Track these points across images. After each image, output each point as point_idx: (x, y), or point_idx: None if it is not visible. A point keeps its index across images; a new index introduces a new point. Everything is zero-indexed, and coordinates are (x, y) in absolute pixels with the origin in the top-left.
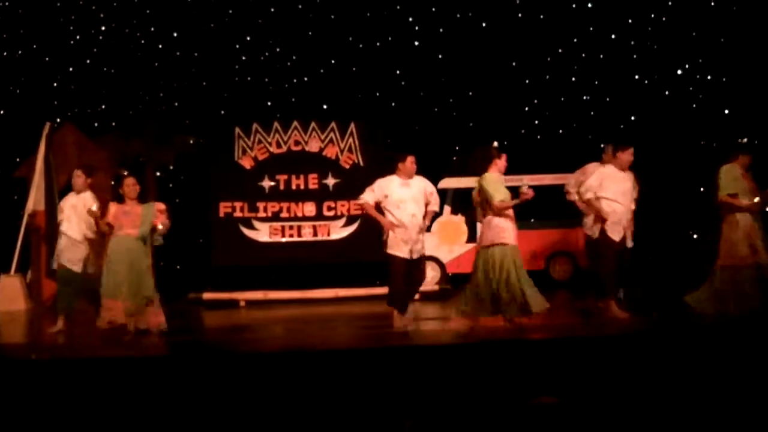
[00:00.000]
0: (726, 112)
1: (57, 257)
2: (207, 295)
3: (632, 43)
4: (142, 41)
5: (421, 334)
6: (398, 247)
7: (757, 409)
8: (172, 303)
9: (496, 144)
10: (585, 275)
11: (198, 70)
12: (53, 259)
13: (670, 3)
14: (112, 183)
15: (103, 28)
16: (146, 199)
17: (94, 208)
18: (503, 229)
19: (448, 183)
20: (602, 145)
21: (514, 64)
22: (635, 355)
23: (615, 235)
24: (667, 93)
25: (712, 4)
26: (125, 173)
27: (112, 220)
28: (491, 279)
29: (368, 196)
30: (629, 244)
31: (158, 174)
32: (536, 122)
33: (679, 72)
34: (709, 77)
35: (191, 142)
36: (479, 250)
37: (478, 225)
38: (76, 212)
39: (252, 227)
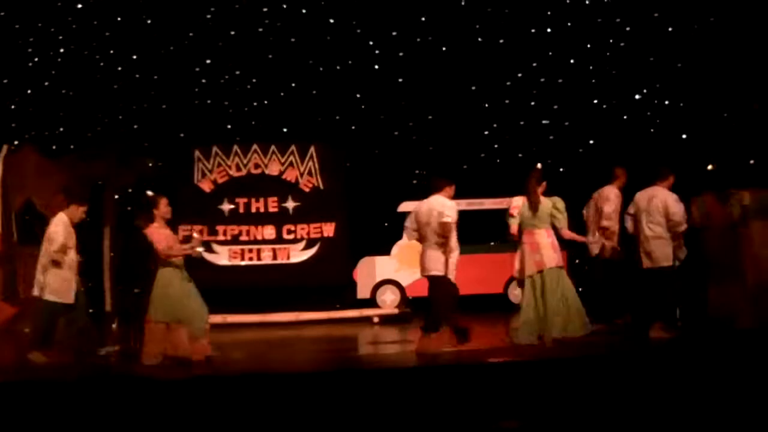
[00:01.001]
0: (683, 136)
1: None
2: None
3: (591, 68)
4: (102, 63)
5: (382, 358)
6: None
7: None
8: (131, 327)
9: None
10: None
11: (157, 93)
12: (39, 288)
13: (627, 29)
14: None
15: (62, 50)
16: (105, 224)
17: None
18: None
19: (408, 207)
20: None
21: (473, 88)
22: (598, 377)
23: None
24: (625, 117)
25: (670, 29)
26: (152, 193)
27: (172, 245)
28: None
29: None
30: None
31: (117, 197)
32: (496, 146)
33: (637, 97)
34: (666, 102)
35: (151, 164)
36: (545, 270)
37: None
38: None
39: (211, 250)
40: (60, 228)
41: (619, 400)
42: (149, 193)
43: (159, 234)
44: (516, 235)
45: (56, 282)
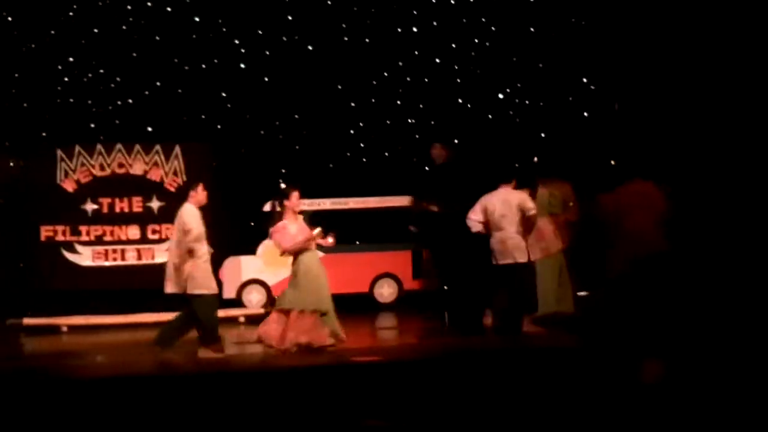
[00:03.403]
0: (542, 135)
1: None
2: (27, 321)
3: (456, 67)
4: None
5: (248, 359)
6: None
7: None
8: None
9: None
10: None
11: (19, 91)
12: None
13: (493, 29)
14: None
15: None
16: None
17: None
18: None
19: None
20: None
21: (339, 87)
22: (465, 377)
23: None
24: (489, 117)
25: (532, 29)
26: (285, 185)
27: (308, 236)
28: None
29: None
30: None
31: None
32: (361, 145)
33: (501, 96)
34: (527, 102)
35: (11, 164)
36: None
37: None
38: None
39: (74, 251)
40: (192, 218)
41: (493, 400)
42: (282, 185)
43: (282, 235)
44: None
45: (199, 273)
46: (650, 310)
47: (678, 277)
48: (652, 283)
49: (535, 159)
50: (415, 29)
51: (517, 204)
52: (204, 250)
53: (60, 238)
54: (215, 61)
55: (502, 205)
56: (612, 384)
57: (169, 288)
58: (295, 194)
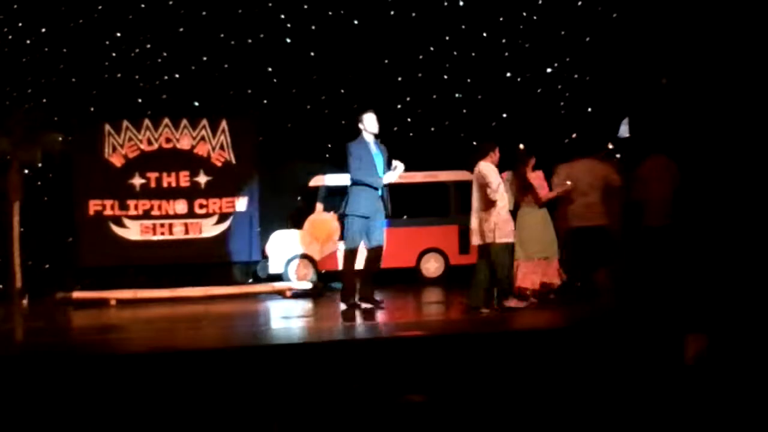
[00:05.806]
0: (589, 110)
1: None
2: (77, 295)
3: (503, 41)
4: (9, 37)
5: (291, 333)
6: None
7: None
8: (41, 303)
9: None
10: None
11: (66, 67)
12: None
13: (539, 2)
14: None
15: None
16: (12, 198)
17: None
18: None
19: (320, 181)
20: None
21: (386, 61)
22: (504, 353)
23: None
24: (539, 91)
25: (579, 4)
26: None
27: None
28: None
29: None
30: None
31: (26, 172)
32: (408, 120)
33: (549, 70)
34: (576, 76)
35: (59, 139)
36: None
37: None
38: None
39: (123, 225)
40: (490, 173)
41: (529, 376)
42: (521, 146)
43: (543, 185)
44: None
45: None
46: (682, 284)
47: (706, 250)
48: (664, 254)
49: (574, 135)
50: (461, 3)
51: (603, 175)
52: (504, 202)
53: (108, 212)
54: (261, 35)
55: (589, 175)
56: (654, 362)
57: (475, 240)
58: (533, 157)
